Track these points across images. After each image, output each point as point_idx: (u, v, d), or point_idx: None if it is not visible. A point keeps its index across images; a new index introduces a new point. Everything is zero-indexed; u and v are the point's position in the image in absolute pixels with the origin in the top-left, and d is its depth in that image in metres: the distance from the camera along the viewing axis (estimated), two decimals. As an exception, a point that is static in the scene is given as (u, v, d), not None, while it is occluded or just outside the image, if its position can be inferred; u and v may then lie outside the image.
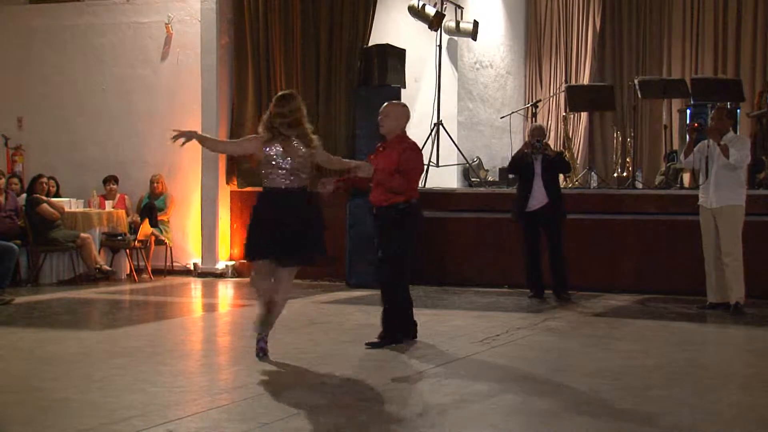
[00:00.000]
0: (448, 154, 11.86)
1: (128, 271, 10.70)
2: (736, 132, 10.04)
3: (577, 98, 11.57)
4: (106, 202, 10.92)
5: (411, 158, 6.33)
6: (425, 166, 6.28)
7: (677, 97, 11.88)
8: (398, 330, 6.35)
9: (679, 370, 5.62)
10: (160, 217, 10.88)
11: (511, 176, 12.49)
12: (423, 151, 11.08)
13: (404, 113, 6.52)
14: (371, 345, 6.25)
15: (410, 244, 6.38)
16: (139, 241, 10.61)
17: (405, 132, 6.50)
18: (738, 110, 10.67)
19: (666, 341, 6.61)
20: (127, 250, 10.67)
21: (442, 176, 11.88)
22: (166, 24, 11.17)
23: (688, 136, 8.40)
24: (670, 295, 8.92)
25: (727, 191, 7.80)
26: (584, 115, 14.48)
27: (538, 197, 8.59)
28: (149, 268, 10.69)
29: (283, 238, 5.83)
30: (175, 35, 11.18)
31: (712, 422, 4.45)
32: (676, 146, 11.94)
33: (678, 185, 10.42)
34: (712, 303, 8.02)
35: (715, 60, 14.06)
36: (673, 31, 14.46)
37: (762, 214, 8.83)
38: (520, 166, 8.80)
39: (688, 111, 10.80)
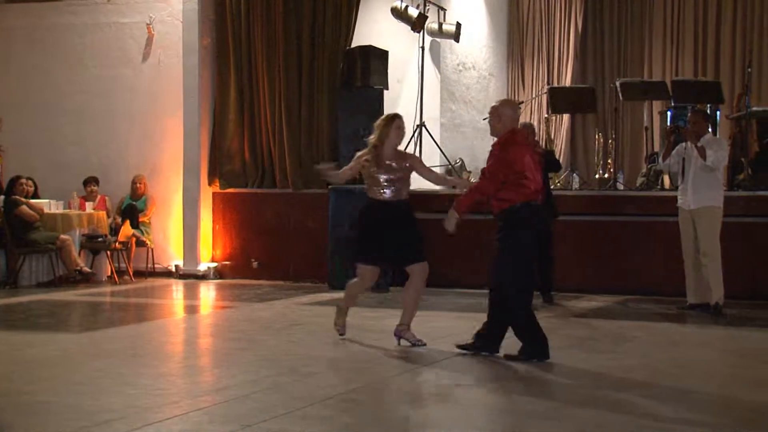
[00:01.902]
0: (431, 155, 11.87)
1: (109, 273, 10.64)
2: (715, 134, 10.13)
3: (559, 100, 11.62)
4: (87, 203, 10.85)
5: (492, 160, 5.94)
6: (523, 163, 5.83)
7: (658, 99, 11.95)
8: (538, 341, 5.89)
9: (660, 370, 5.65)
10: (141, 218, 10.82)
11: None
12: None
13: (504, 113, 6.03)
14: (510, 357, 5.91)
15: (520, 249, 5.87)
16: (119, 242, 10.55)
17: (511, 132, 5.99)
18: (718, 112, 10.75)
19: (646, 341, 6.65)
20: (108, 252, 10.61)
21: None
22: (147, 24, 11.12)
23: (666, 139, 8.45)
24: (651, 295, 8.96)
25: (705, 193, 7.86)
26: (566, 116, 14.54)
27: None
28: (130, 270, 10.63)
29: (394, 242, 6.26)
30: (156, 36, 11.13)
31: (692, 422, 4.47)
32: (657, 148, 12.00)
33: (659, 186, 10.48)
34: (692, 303, 8.07)
35: (695, 62, 14.16)
36: (654, 33, 14.54)
37: (740, 215, 8.89)
38: None
39: (669, 113, 10.87)
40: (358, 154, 6.42)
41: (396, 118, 6.39)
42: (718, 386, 5.31)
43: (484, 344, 5.99)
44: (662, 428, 4.37)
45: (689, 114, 8.71)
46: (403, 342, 6.38)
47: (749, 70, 11.50)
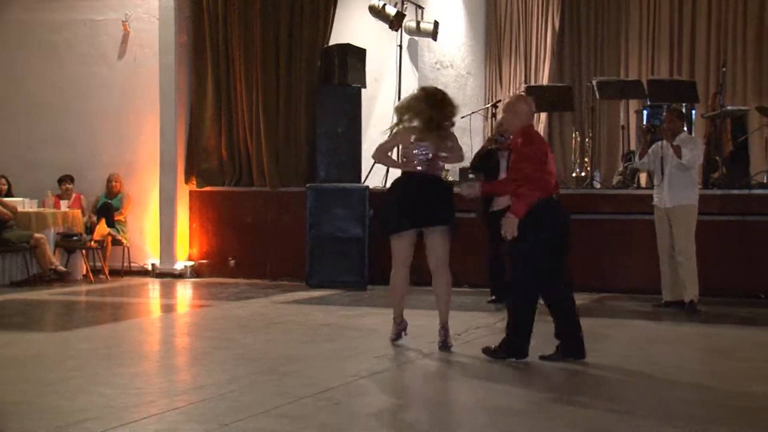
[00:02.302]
0: (408, 153, 11.86)
1: (84, 272, 10.56)
2: (690, 133, 10.21)
3: (536, 98, 11.59)
4: (61, 202, 10.76)
5: (525, 162, 5.71)
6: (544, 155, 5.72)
7: (634, 97, 12.01)
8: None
9: (634, 367, 5.68)
10: (117, 217, 10.75)
11: (471, 176, 12.57)
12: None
13: (515, 107, 5.89)
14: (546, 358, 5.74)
15: (540, 244, 5.67)
16: (95, 241, 10.47)
17: (530, 127, 5.88)
18: (693, 111, 10.82)
19: (622, 339, 6.69)
20: (83, 251, 10.54)
21: (402, 176, 11.87)
22: (123, 21, 11.04)
23: (642, 138, 8.50)
24: (627, 293, 9.02)
25: (681, 191, 7.92)
26: (543, 115, 14.58)
27: (504, 196, 8.51)
28: (106, 269, 10.55)
29: (420, 207, 6.12)
30: (132, 33, 11.05)
31: (666, 419, 4.50)
32: (633, 146, 12.06)
33: (635, 185, 10.54)
34: (667, 301, 8.14)
35: (670, 62, 14.24)
36: (630, 32, 14.62)
37: (715, 213, 8.97)
38: (484, 163, 8.67)
39: (645, 112, 10.93)
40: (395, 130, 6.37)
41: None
42: (692, 383, 5.34)
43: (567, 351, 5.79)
44: (637, 425, 4.40)
45: (665, 113, 8.78)
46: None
47: (724, 69, 11.61)
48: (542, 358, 5.76)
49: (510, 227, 5.64)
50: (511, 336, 5.75)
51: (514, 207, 5.68)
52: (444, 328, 6.18)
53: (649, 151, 8.22)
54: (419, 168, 6.20)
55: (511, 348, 5.73)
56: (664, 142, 8.03)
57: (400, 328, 6.42)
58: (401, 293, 6.39)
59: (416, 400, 4.85)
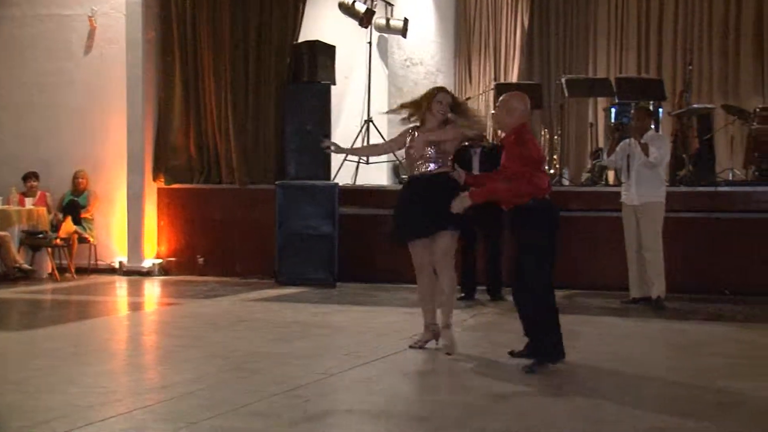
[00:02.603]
0: (378, 151, 11.85)
1: (50, 270, 10.43)
2: (658, 130, 10.30)
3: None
4: (26, 199, 10.63)
5: (513, 160, 5.60)
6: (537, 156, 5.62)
7: (603, 95, 12.11)
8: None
9: (603, 363, 5.72)
10: (83, 214, 10.63)
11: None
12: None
13: (510, 105, 5.72)
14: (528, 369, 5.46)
15: (539, 247, 5.56)
16: (61, 239, 10.35)
17: (523, 126, 5.71)
18: (660, 109, 10.92)
19: (590, 335, 6.72)
20: (49, 249, 10.41)
21: (372, 173, 11.89)
22: (89, 17, 10.92)
23: (610, 136, 8.55)
24: (595, 290, 9.07)
25: (648, 188, 7.99)
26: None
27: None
28: (72, 267, 10.43)
29: (425, 214, 5.93)
30: (99, 28, 10.94)
31: (635, 415, 4.53)
32: (601, 144, 12.16)
33: (603, 182, 10.62)
34: (635, 298, 8.20)
35: (638, 60, 14.38)
36: (598, 31, 14.73)
37: (682, 210, 9.05)
38: (456, 160, 8.68)
39: (613, 110, 11.01)
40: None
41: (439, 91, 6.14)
42: (660, 378, 5.39)
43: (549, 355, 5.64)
44: (606, 420, 4.42)
45: (633, 111, 8.85)
46: (441, 341, 6.01)
47: (690, 68, 11.74)
48: (512, 354, 5.77)
49: (460, 206, 5.66)
50: (542, 339, 5.51)
51: (473, 191, 5.67)
52: (446, 328, 5.97)
53: (617, 148, 8.28)
54: (424, 168, 5.96)
55: (546, 351, 5.49)
56: (632, 139, 8.10)
57: (427, 336, 6.09)
58: (428, 297, 6.09)
59: (386, 397, 4.84)
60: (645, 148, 7.87)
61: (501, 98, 5.81)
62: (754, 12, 13.59)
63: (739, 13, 13.73)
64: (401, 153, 13.33)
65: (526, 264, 5.53)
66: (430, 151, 5.97)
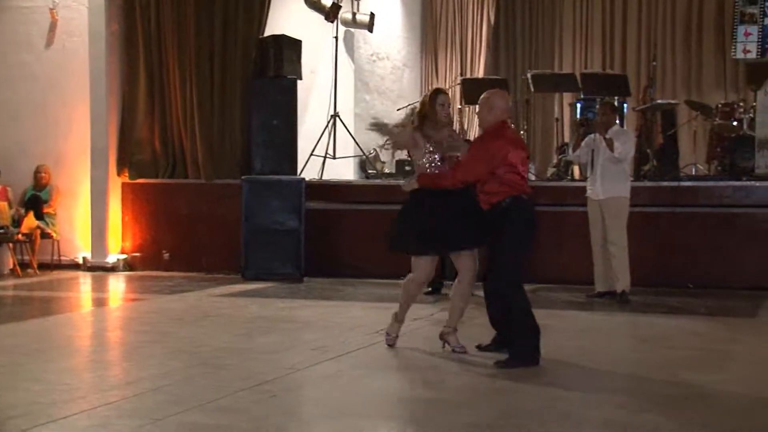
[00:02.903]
0: (345, 146, 11.85)
1: (11, 266, 10.27)
2: (622, 125, 10.38)
3: (471, 91, 11.71)
4: (-14, 194, 10.47)
5: (469, 153, 5.60)
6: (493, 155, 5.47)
7: (568, 91, 12.18)
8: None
9: (568, 357, 5.76)
10: (46, 209, 10.49)
11: (408, 168, 12.60)
12: (321, 142, 11.15)
13: (491, 102, 5.69)
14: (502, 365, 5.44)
15: (516, 246, 5.57)
16: (22, 234, 10.21)
17: (501, 123, 5.69)
18: (625, 104, 11.02)
19: (556, 329, 6.76)
20: (10, 244, 10.25)
21: (339, 168, 11.86)
22: (50, 9, 10.75)
23: (576, 132, 8.60)
24: (561, 284, 9.13)
25: (613, 183, 8.06)
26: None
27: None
28: (34, 263, 10.29)
29: (447, 231, 5.73)
30: (60, 21, 10.78)
31: (599, 408, 4.57)
32: (567, 139, 12.25)
33: (569, 177, 10.69)
34: (600, 291, 8.27)
35: (603, 56, 14.48)
36: (563, 26, 14.82)
37: (646, 205, 9.14)
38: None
39: (578, 105, 11.09)
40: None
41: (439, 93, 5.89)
42: (624, 371, 5.44)
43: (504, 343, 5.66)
44: (570, 412, 4.46)
45: (598, 106, 8.92)
46: (448, 347, 5.84)
47: (654, 63, 11.85)
48: (479, 348, 5.79)
49: (408, 187, 5.73)
50: (520, 341, 5.49)
51: (423, 175, 5.67)
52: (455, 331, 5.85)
53: (582, 144, 8.34)
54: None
55: (523, 353, 5.44)
56: (597, 135, 8.16)
57: (397, 327, 6.02)
58: (413, 299, 6.04)
59: (353, 392, 4.84)
60: (610, 144, 7.93)
61: (482, 96, 5.79)
62: (715, 8, 13.75)
63: (701, 10, 13.88)
64: (368, 147, 13.38)
65: (501, 262, 5.52)
66: (436, 157, 5.74)
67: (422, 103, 5.87)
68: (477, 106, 5.86)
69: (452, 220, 5.68)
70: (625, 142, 8.06)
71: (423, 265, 5.82)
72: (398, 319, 6.01)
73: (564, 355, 5.79)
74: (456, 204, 5.68)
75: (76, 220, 10.84)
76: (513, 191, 5.52)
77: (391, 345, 5.94)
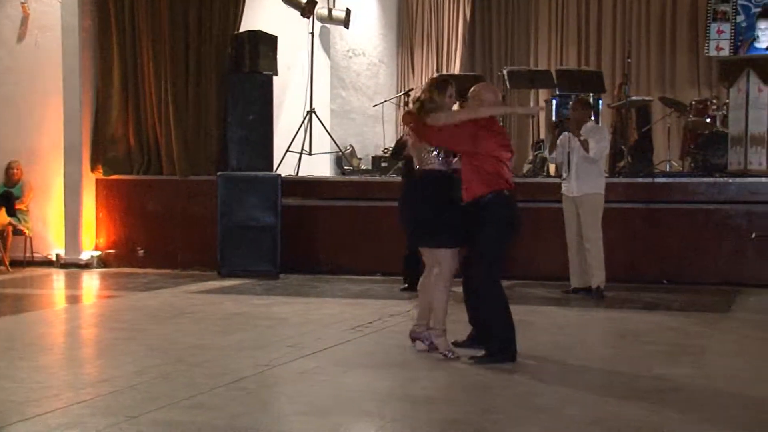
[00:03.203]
0: (321, 142, 11.82)
1: (-16, 263, 10.18)
2: (598, 122, 10.44)
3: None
4: (-42, 190, 10.34)
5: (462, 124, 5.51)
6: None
7: (544, 87, 12.22)
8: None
9: (545, 352, 5.78)
10: (18, 205, 10.37)
11: (384, 164, 12.60)
12: (296, 139, 11.11)
13: (481, 95, 5.69)
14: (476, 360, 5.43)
15: (495, 242, 5.52)
16: (-5, 231, 10.10)
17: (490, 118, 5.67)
18: (600, 101, 11.07)
19: (532, 325, 6.79)
20: (-17, 241, 10.15)
21: (315, 164, 11.83)
22: (22, 3, 10.63)
23: (551, 133, 8.60)
24: (537, 280, 9.17)
25: (588, 180, 8.11)
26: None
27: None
28: (6, 260, 10.17)
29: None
30: (32, 15, 10.66)
31: (575, 403, 4.59)
32: (542, 135, 12.28)
33: (544, 174, 10.73)
34: (575, 288, 8.31)
35: (578, 52, 14.55)
36: (539, 23, 14.87)
37: (621, 201, 9.19)
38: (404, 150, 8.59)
39: (554, 101, 11.13)
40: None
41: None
42: (600, 367, 5.47)
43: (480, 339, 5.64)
44: (546, 408, 4.47)
45: (571, 103, 8.96)
46: (419, 345, 5.67)
47: (629, 60, 11.89)
48: (455, 344, 5.79)
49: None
50: (498, 337, 5.46)
51: (421, 126, 5.50)
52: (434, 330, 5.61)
53: (558, 143, 8.37)
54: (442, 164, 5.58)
55: (501, 350, 5.43)
56: (571, 135, 8.20)
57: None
58: (448, 299, 5.71)
59: (330, 389, 4.83)
60: (585, 144, 7.97)
61: (472, 89, 5.78)
62: (689, 6, 13.85)
63: (675, 8, 13.98)
64: (344, 142, 13.32)
65: (481, 257, 5.51)
66: (441, 151, 5.60)
67: (428, 93, 5.65)
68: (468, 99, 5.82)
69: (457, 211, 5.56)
70: (599, 140, 8.09)
71: (450, 259, 5.55)
72: (443, 329, 5.61)
73: (540, 350, 5.81)
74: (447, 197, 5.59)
75: (49, 216, 10.74)
76: (495, 186, 5.49)
77: (454, 356, 5.49)
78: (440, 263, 5.54)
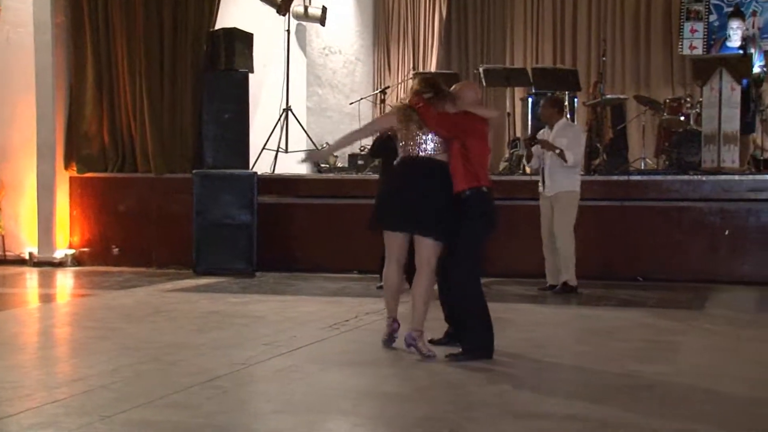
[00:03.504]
0: (297, 139, 11.79)
1: (-45, 262, 10.07)
2: (573, 120, 10.51)
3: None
4: (-70, 188, 10.22)
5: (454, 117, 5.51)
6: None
7: (520, 85, 12.26)
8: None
9: (520, 349, 5.80)
10: (-10, 203, 10.29)
11: (361, 162, 12.58)
12: (273, 137, 11.06)
13: (462, 94, 5.68)
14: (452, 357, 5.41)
15: (474, 238, 5.51)
16: (-33, 229, 10.00)
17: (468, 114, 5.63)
18: (575, 99, 11.13)
19: (508, 322, 6.81)
20: (-45, 240, 10.04)
21: (291, 162, 11.79)
22: (-6, -1, 10.54)
23: (526, 148, 8.66)
24: (513, 277, 9.20)
25: (562, 179, 8.17)
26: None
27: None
28: (-21, 258, 10.10)
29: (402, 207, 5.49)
30: (4, 12, 10.55)
31: (549, 400, 4.62)
32: (519, 133, 12.33)
33: (521, 171, 10.77)
34: (551, 285, 8.35)
35: (554, 50, 14.62)
36: (515, 21, 14.92)
37: (596, 199, 9.25)
38: (383, 149, 8.57)
39: (530, 99, 11.18)
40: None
41: None
42: (575, 364, 5.50)
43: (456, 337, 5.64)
44: (521, 403, 4.49)
45: (542, 102, 9.04)
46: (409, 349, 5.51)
47: (604, 59, 11.98)
48: (431, 342, 5.80)
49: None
50: (475, 334, 5.45)
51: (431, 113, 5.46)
52: (414, 331, 5.47)
53: (534, 152, 8.43)
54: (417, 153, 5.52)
55: (479, 347, 5.43)
56: (545, 130, 8.27)
57: (391, 329, 5.73)
58: (393, 291, 5.73)
59: (306, 387, 4.81)
60: (562, 155, 8.04)
61: (453, 87, 5.81)
62: (663, 6, 13.96)
63: (649, 7, 14.08)
64: (320, 140, 13.29)
65: (460, 254, 5.51)
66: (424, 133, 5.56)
67: (435, 81, 5.70)
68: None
69: (396, 194, 5.55)
70: (574, 146, 8.11)
71: (386, 241, 5.58)
72: (387, 316, 5.71)
73: (516, 348, 5.83)
74: (408, 176, 5.57)
75: (21, 214, 10.64)
76: (475, 183, 5.49)
77: (432, 354, 5.45)
78: (431, 259, 5.46)
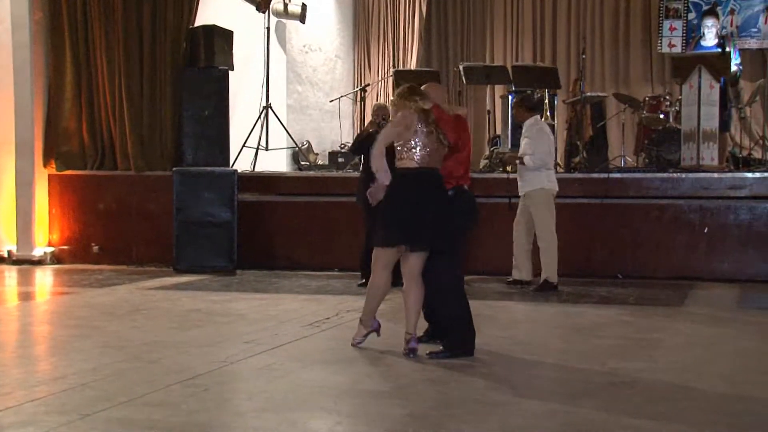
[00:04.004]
0: (277, 137, 11.77)
1: (-68, 260, 9.98)
2: (553, 118, 10.55)
3: (404, 83, 11.71)
4: None
5: (458, 133, 5.67)
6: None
7: (500, 83, 12.30)
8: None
9: (500, 347, 5.82)
10: (-32, 201, 10.20)
11: (341, 160, 12.58)
12: (253, 134, 11.04)
13: (436, 94, 5.89)
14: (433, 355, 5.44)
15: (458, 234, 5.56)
16: (-55, 227, 9.91)
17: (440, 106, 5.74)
18: (555, 97, 11.17)
19: (488, 320, 6.83)
20: (-68, 238, 9.95)
21: (272, 160, 11.78)
22: (-29, -4, 10.44)
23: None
24: (492, 275, 9.21)
25: (531, 177, 8.25)
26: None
27: (384, 179, 8.43)
28: (-44, 257, 10.01)
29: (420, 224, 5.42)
30: (-18, 8, 10.46)
31: (530, 397, 4.64)
32: (499, 131, 12.36)
33: (500, 169, 10.80)
34: (515, 279, 8.44)
35: (534, 48, 14.66)
36: (495, 19, 14.95)
37: (576, 196, 9.29)
38: (365, 146, 8.59)
39: (510, 97, 11.20)
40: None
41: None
42: (555, 361, 5.52)
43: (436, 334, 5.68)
44: (500, 403, 4.51)
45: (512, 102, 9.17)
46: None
47: (583, 56, 12.03)
48: (430, 354, 5.80)
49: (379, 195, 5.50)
50: (457, 332, 5.48)
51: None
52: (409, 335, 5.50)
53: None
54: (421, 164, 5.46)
55: (460, 345, 5.45)
56: (508, 166, 8.48)
57: (372, 328, 5.73)
58: (382, 296, 5.72)
59: (287, 385, 4.81)
60: (521, 160, 8.17)
61: (421, 87, 5.89)
62: (642, 4, 14.03)
63: (628, 5, 14.15)
64: (301, 138, 13.28)
65: (443, 251, 5.50)
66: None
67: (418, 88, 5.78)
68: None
69: (426, 211, 5.45)
70: (536, 146, 8.13)
71: (390, 252, 5.53)
72: (363, 318, 5.72)
73: (497, 345, 5.85)
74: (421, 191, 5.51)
75: (0, 212, 10.55)
76: (454, 182, 5.56)
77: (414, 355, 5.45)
78: (420, 267, 5.47)
